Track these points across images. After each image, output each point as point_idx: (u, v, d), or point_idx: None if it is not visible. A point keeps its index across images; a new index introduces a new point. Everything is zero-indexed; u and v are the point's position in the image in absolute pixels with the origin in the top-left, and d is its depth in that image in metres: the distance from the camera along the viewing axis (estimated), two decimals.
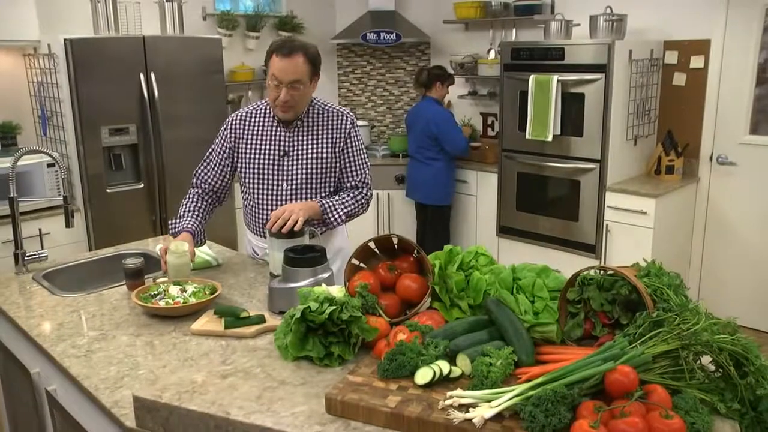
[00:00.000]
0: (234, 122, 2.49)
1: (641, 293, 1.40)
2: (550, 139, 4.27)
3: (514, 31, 5.10)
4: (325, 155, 2.39)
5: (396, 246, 1.90)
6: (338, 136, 2.41)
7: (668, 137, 4.30)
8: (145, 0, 4.21)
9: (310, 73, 2.30)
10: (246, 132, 2.45)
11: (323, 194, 2.42)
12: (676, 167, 4.27)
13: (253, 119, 2.46)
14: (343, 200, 2.40)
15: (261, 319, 1.94)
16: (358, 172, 2.46)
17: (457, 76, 5.11)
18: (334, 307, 1.56)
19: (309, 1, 5.41)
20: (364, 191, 2.47)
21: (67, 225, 2.51)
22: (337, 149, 2.41)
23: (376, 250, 1.90)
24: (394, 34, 5.24)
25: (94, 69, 3.74)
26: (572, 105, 4.21)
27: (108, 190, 3.91)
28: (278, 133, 2.41)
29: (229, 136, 2.49)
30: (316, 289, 1.71)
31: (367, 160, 2.51)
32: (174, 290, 2.11)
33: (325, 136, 2.40)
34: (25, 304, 2.21)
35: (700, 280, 4.47)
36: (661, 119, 4.47)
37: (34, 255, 2.54)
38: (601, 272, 1.53)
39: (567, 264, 4.40)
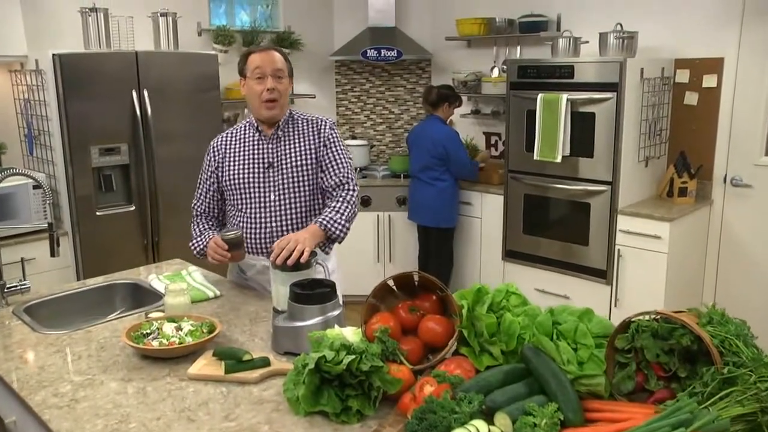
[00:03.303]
0: (216, 145, 2.49)
1: (707, 345, 1.23)
2: (559, 160, 4.11)
3: (518, 48, 4.97)
4: (309, 162, 2.39)
5: (416, 283, 1.72)
6: (318, 141, 2.41)
7: (681, 158, 4.16)
8: (138, 14, 4.04)
9: (288, 69, 2.38)
10: (228, 150, 2.46)
11: (311, 203, 2.41)
12: (689, 190, 4.12)
13: (234, 137, 2.48)
14: (336, 208, 2.32)
15: (265, 362, 1.76)
16: (340, 168, 2.40)
17: (460, 94, 4.96)
18: (353, 357, 1.38)
19: (307, 16, 5.26)
20: (349, 187, 2.40)
21: (53, 254, 2.32)
22: (319, 154, 2.41)
23: (394, 287, 1.72)
24: (395, 50, 5.09)
25: (83, 86, 3.56)
26: (582, 125, 4.06)
27: (98, 213, 3.71)
28: (261, 146, 2.41)
29: (212, 159, 2.48)
30: (329, 332, 1.53)
31: (349, 157, 2.47)
32: (168, 328, 1.92)
33: (306, 143, 2.41)
34: (3, 344, 2.01)
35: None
36: (673, 140, 4.33)
37: (16, 286, 2.34)
38: (656, 318, 1.35)
39: (576, 290, 4.24)
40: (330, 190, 2.40)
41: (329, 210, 2.32)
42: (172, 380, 1.74)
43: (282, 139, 2.41)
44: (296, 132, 2.42)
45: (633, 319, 1.37)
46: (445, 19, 5.26)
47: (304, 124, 2.44)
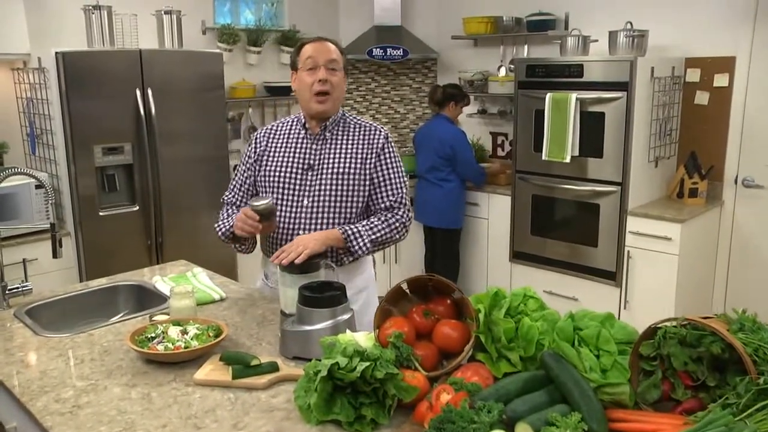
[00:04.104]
0: (259, 136, 2.32)
1: (740, 353, 1.17)
2: (568, 160, 4.06)
3: (525, 47, 4.91)
4: (352, 171, 2.17)
5: (430, 286, 1.67)
6: (369, 150, 2.19)
7: (691, 159, 4.10)
8: (142, 12, 3.99)
9: (344, 62, 2.18)
10: (270, 144, 2.27)
11: (347, 216, 2.17)
12: (700, 190, 4.06)
13: (279, 131, 2.30)
14: (371, 225, 2.14)
15: (274, 368, 1.70)
16: (394, 191, 2.20)
17: (466, 92, 4.90)
18: (368, 364, 1.32)
19: (312, 15, 5.20)
20: (400, 213, 2.21)
21: (55, 255, 2.26)
22: (367, 165, 2.18)
23: (407, 290, 1.66)
24: (401, 49, 5.04)
25: (87, 84, 3.51)
26: (591, 125, 4.00)
27: (100, 213, 3.65)
28: (304, 144, 2.22)
29: (253, 151, 2.30)
30: (341, 337, 1.48)
31: (405, 178, 2.26)
32: (174, 332, 1.86)
33: (354, 150, 2.19)
34: (4, 347, 1.95)
35: (724, 311, 4.23)
36: (682, 140, 4.27)
37: (17, 288, 2.28)
38: (684, 325, 1.30)
39: (585, 292, 4.18)
40: (379, 212, 2.21)
41: (363, 223, 2.15)
42: (178, 386, 1.68)
43: (328, 140, 2.20)
44: (345, 136, 2.21)
45: (659, 326, 1.31)
46: (451, 18, 5.21)
47: (356, 129, 2.23)
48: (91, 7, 3.68)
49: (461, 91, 4.61)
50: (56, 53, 3.43)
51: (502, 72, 4.97)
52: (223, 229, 2.26)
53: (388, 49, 5.03)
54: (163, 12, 3.96)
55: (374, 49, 5.00)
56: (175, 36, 4.00)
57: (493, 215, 4.68)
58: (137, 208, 3.78)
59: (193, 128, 3.93)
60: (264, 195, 2.17)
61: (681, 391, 1.27)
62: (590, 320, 1.45)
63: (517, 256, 4.53)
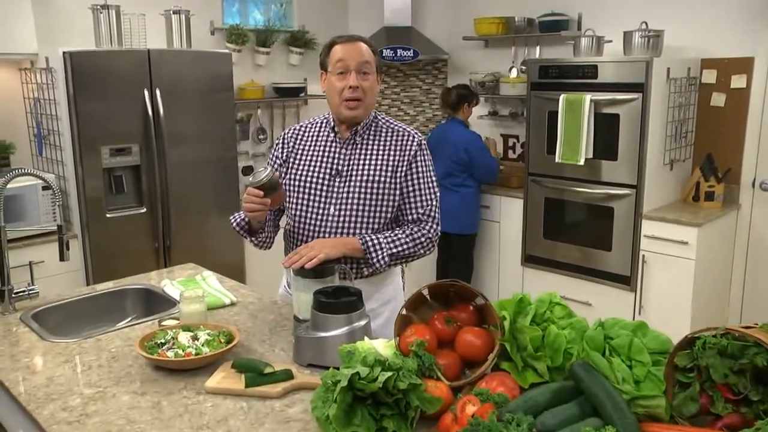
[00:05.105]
0: (286, 136, 2.20)
1: None
2: (581, 162, 3.99)
3: (537, 48, 4.84)
4: (382, 178, 2.05)
5: (452, 292, 1.60)
6: (401, 158, 2.07)
7: (707, 162, 4.03)
8: (151, 12, 3.94)
9: (377, 63, 2.06)
10: (297, 146, 2.16)
11: (374, 226, 2.06)
12: (716, 194, 3.99)
13: (307, 133, 2.17)
14: (395, 237, 2.02)
15: (288, 376, 1.65)
16: (424, 203, 2.08)
17: (475, 92, 4.84)
18: (390, 374, 1.26)
19: (321, 15, 5.15)
20: (428, 227, 2.07)
21: (62, 258, 2.21)
22: (398, 174, 2.06)
23: (427, 296, 1.60)
24: (412, 50, 4.98)
25: (94, 84, 3.46)
26: (605, 126, 3.93)
27: (108, 215, 3.60)
28: (333, 149, 2.10)
29: (280, 153, 2.18)
30: (360, 345, 1.41)
31: (436, 190, 2.13)
32: (184, 338, 1.80)
33: (385, 156, 2.07)
34: (9, 352, 1.90)
35: (741, 317, 4.17)
36: (698, 142, 4.20)
37: (24, 291, 2.23)
38: (724, 335, 1.23)
39: (599, 297, 4.11)
40: (406, 224, 2.10)
41: (388, 233, 2.03)
42: (189, 394, 1.63)
43: (359, 145, 2.08)
44: (377, 140, 2.09)
45: (697, 335, 1.24)
46: (462, 19, 5.14)
47: (388, 133, 2.10)
48: (99, 7, 3.63)
49: (471, 91, 4.55)
50: (64, 53, 3.38)
51: (514, 73, 4.91)
52: (238, 219, 2.13)
53: (398, 50, 4.97)
54: (171, 12, 3.92)
55: (384, 50, 4.94)
56: (183, 36, 3.95)
57: (505, 218, 4.62)
58: (144, 209, 3.73)
59: (201, 129, 3.88)
60: (263, 168, 1.98)
61: (721, 405, 1.20)
62: (621, 329, 1.38)
63: (529, 259, 4.46)
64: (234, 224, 2.13)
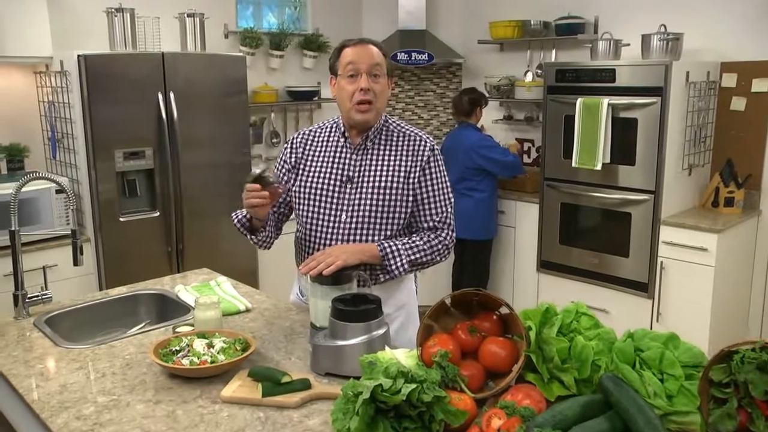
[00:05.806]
0: (295, 141, 2.15)
1: None
2: (599, 167, 3.93)
3: (553, 51, 4.79)
4: (394, 184, 2.01)
5: (475, 301, 1.56)
6: (414, 164, 2.02)
7: (727, 167, 3.96)
8: (165, 15, 3.93)
9: (388, 66, 2.02)
10: (307, 151, 2.11)
11: (387, 233, 2.03)
12: (736, 200, 3.92)
13: (317, 137, 2.13)
14: (412, 244, 1.99)
15: (306, 385, 1.61)
16: (438, 210, 2.05)
17: (492, 99, 4.80)
18: (414, 386, 1.22)
19: (335, 18, 5.13)
20: (443, 234, 2.04)
21: (76, 263, 2.19)
22: (411, 180, 2.02)
23: (450, 305, 1.56)
24: (426, 54, 4.94)
25: (108, 87, 3.45)
26: (623, 131, 3.88)
27: (121, 219, 3.59)
28: (344, 154, 2.06)
29: (289, 157, 2.14)
30: (381, 355, 1.38)
31: (450, 196, 2.10)
32: (199, 345, 1.77)
33: (397, 162, 2.03)
34: (23, 358, 1.87)
35: (761, 326, 4.09)
36: (717, 147, 4.13)
37: (37, 296, 2.21)
38: (763, 348, 1.18)
39: (616, 304, 4.05)
40: (421, 231, 2.07)
41: (404, 240, 2.00)
42: (204, 403, 1.59)
43: (370, 151, 2.04)
44: (388, 145, 2.05)
45: (734, 349, 1.19)
46: (477, 22, 5.11)
47: (400, 137, 2.06)
48: (113, 10, 3.62)
49: (480, 93, 4.50)
50: (78, 56, 3.37)
51: (529, 77, 4.86)
52: (239, 216, 2.09)
53: (412, 54, 4.94)
54: (185, 15, 3.90)
55: (398, 54, 4.91)
56: (197, 39, 3.93)
57: (521, 224, 4.57)
58: (158, 213, 3.71)
59: (215, 133, 3.86)
60: (257, 164, 1.96)
61: (762, 423, 1.15)
62: (651, 340, 1.33)
63: (545, 265, 4.40)
64: (235, 221, 2.11)
